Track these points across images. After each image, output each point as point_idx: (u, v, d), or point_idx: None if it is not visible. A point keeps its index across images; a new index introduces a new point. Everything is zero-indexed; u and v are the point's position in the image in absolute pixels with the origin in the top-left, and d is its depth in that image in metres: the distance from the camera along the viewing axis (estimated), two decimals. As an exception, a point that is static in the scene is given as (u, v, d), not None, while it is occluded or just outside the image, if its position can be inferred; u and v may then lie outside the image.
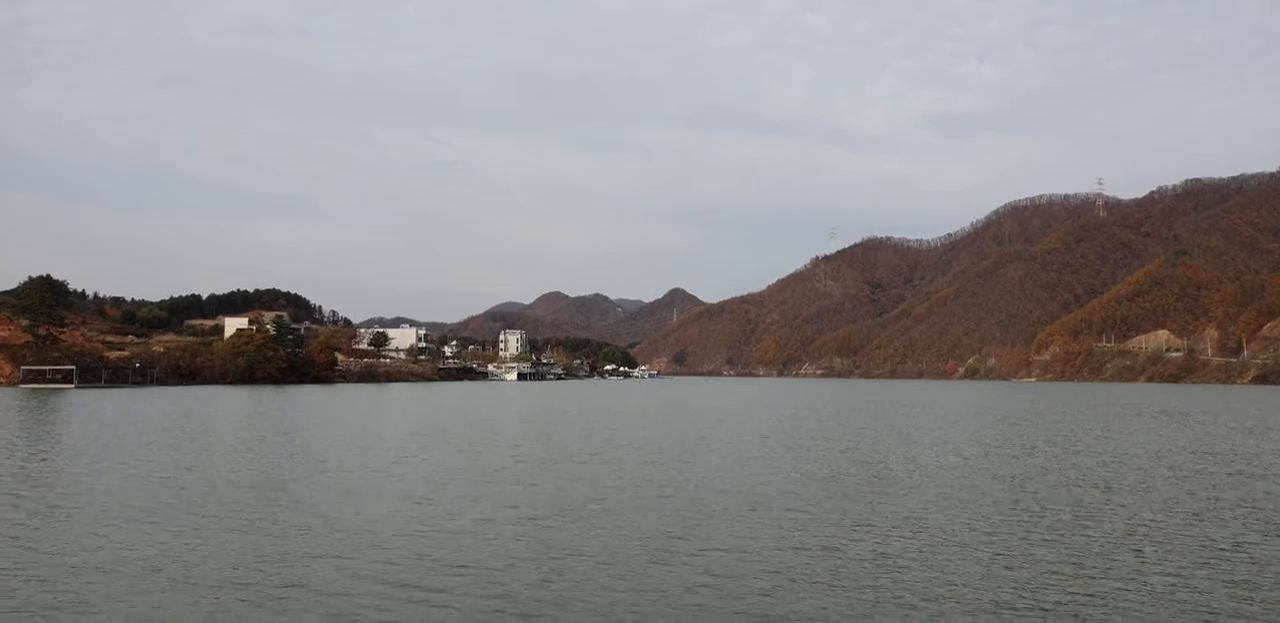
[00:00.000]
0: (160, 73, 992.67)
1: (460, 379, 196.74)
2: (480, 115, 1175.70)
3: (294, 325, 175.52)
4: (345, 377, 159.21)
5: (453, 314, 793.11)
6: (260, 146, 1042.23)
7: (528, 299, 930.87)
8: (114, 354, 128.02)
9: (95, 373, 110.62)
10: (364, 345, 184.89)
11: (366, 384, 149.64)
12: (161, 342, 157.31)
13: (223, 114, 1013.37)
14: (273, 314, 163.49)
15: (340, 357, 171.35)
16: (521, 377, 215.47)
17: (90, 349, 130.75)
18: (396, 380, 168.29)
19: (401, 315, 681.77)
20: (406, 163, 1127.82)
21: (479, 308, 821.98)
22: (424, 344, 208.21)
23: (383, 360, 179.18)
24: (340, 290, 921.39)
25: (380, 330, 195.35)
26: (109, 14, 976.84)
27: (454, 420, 50.57)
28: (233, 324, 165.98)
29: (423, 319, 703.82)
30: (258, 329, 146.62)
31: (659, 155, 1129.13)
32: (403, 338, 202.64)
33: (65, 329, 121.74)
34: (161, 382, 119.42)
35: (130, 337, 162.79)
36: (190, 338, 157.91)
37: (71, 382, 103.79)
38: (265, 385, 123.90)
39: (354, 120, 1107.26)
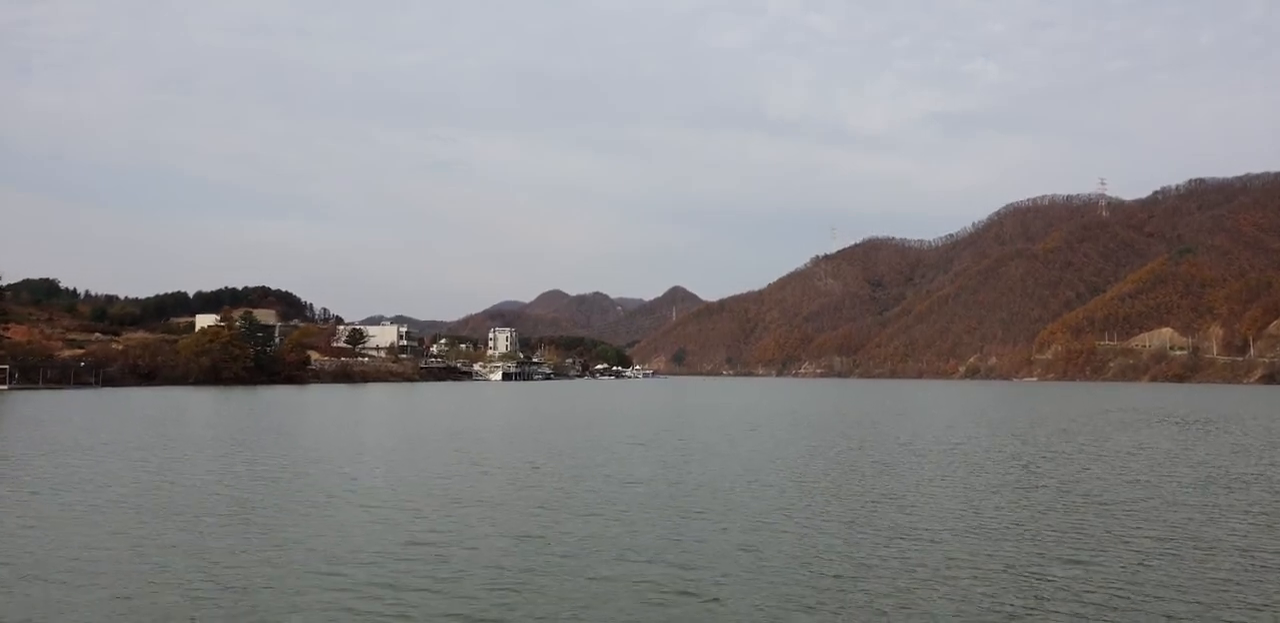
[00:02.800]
0: (160, 73, 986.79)
1: (443, 379, 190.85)
2: (480, 115, 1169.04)
3: (269, 324, 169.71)
4: (319, 377, 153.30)
5: (453, 313, 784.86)
6: (260, 146, 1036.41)
7: (528, 298, 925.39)
8: (70, 353, 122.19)
9: (39, 373, 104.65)
10: (341, 343, 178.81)
11: (341, 385, 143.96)
12: (130, 340, 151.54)
13: (223, 114, 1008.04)
14: (241, 311, 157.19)
15: (316, 355, 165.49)
16: (507, 377, 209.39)
17: (47, 347, 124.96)
18: (374, 381, 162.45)
19: (401, 314, 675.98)
20: (406, 162, 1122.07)
21: (479, 307, 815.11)
22: (405, 342, 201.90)
23: (360, 360, 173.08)
24: (340, 290, 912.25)
25: (357, 328, 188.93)
26: (109, 14, 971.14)
27: (363, 445, 44.77)
28: (205, 323, 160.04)
29: (422, 318, 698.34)
30: (228, 327, 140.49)
31: (659, 155, 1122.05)
32: (383, 336, 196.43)
33: (10, 325, 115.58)
34: (115, 382, 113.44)
35: (96, 334, 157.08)
36: (159, 336, 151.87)
37: (6, 382, 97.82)
38: (231, 386, 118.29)
39: (354, 120, 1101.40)
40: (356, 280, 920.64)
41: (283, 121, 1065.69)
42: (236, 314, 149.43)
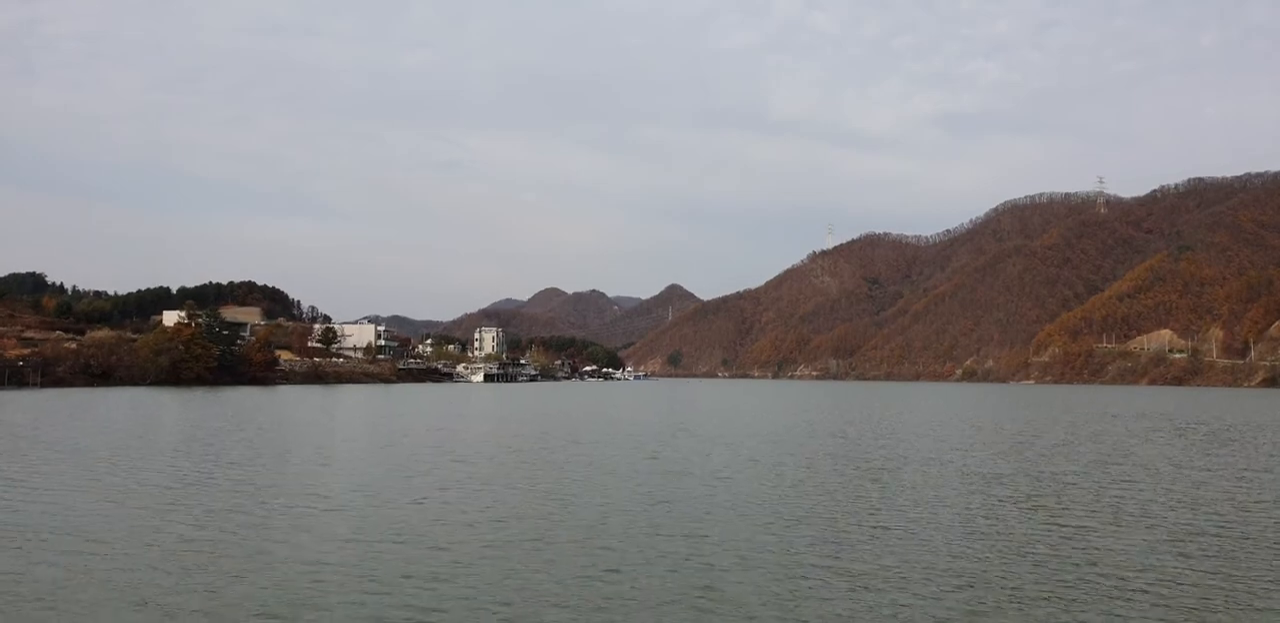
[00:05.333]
0: (169, 72, 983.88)
1: (422, 380, 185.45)
2: (488, 115, 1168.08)
3: (239, 321, 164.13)
4: (289, 378, 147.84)
5: (451, 312, 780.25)
6: (268, 145, 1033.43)
7: (525, 296, 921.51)
8: (16, 352, 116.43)
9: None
10: (314, 343, 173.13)
11: (314, 386, 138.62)
12: (93, 338, 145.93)
13: (231, 112, 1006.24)
14: (226, 307, 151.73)
15: (287, 355, 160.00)
16: (489, 378, 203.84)
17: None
18: (348, 382, 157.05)
19: (398, 314, 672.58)
20: (413, 162, 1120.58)
21: (478, 306, 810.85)
22: (384, 342, 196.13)
23: (334, 360, 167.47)
24: (339, 289, 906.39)
25: (330, 327, 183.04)
26: (117, 13, 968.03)
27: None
28: (172, 320, 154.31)
29: (419, 318, 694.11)
30: (191, 324, 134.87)
31: (666, 156, 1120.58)
32: (361, 335, 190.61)
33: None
34: (65, 383, 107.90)
35: (58, 332, 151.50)
36: (117, 334, 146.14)
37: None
38: (191, 387, 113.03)
39: (362, 119, 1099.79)
40: (357, 280, 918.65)
41: (291, 120, 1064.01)
42: (221, 312, 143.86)
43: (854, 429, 49.20)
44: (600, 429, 47.92)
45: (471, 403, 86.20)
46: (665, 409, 77.29)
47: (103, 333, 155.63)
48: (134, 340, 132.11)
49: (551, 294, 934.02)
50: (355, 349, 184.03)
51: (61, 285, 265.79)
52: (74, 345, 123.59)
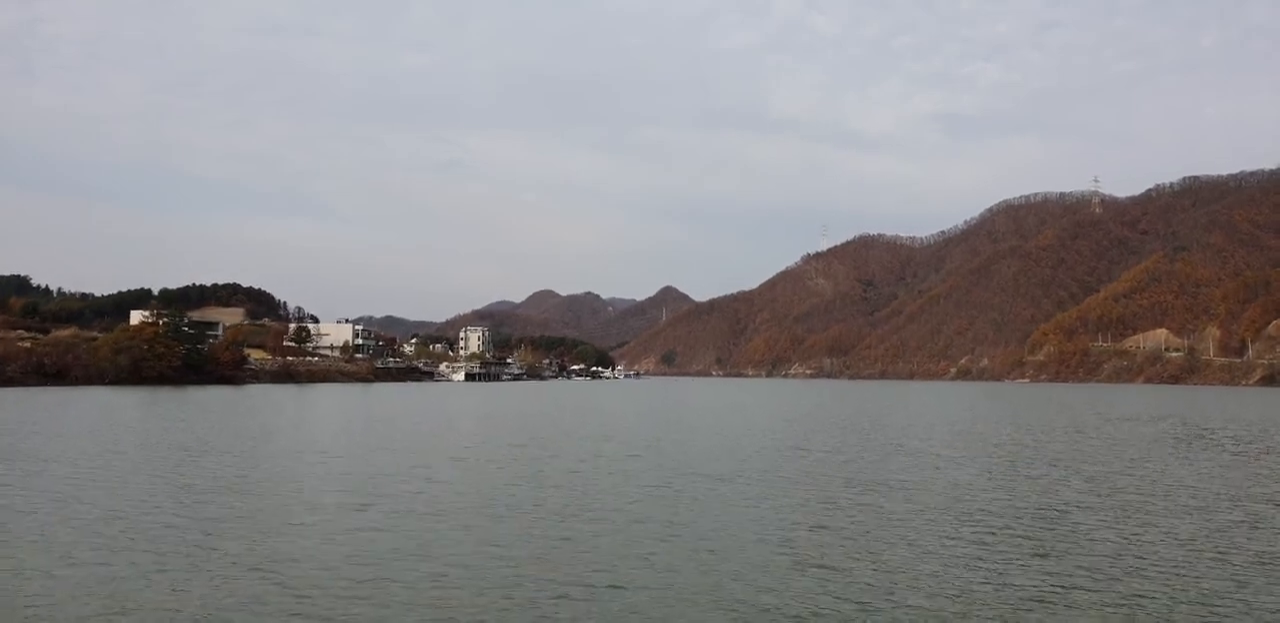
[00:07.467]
0: (169, 73, 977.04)
1: (402, 379, 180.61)
2: (488, 115, 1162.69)
3: (210, 320, 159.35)
4: (258, 377, 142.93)
5: (446, 313, 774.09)
6: (268, 146, 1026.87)
7: (520, 298, 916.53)
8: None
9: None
10: (288, 342, 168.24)
11: (288, 385, 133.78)
12: (57, 337, 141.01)
13: (231, 115, 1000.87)
14: (211, 309, 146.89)
15: (259, 354, 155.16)
16: (470, 377, 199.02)
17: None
18: (322, 381, 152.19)
19: (393, 314, 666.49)
20: (413, 162, 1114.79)
21: (473, 307, 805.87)
22: (361, 341, 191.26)
23: (308, 359, 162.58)
24: (337, 289, 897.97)
25: (304, 325, 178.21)
26: (117, 13, 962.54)
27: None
28: (137, 320, 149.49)
29: (413, 318, 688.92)
30: (155, 323, 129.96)
31: (665, 156, 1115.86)
32: (338, 334, 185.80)
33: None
34: (15, 382, 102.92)
35: (19, 332, 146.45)
36: (73, 332, 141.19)
37: None
38: (154, 387, 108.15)
39: (362, 120, 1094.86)
40: (356, 280, 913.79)
41: (290, 122, 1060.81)
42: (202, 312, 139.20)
43: (820, 439, 44.59)
44: (515, 435, 43.31)
45: (413, 405, 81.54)
46: (622, 414, 72.80)
47: (65, 332, 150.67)
48: (94, 339, 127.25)
49: (546, 296, 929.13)
50: (332, 348, 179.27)
51: (46, 288, 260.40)
52: (29, 344, 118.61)
